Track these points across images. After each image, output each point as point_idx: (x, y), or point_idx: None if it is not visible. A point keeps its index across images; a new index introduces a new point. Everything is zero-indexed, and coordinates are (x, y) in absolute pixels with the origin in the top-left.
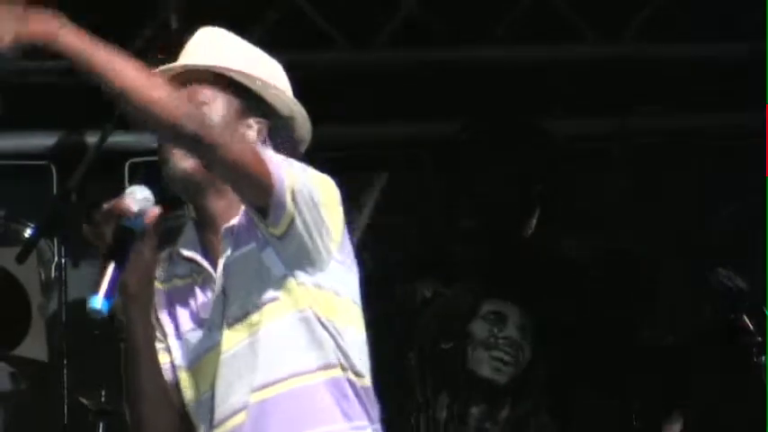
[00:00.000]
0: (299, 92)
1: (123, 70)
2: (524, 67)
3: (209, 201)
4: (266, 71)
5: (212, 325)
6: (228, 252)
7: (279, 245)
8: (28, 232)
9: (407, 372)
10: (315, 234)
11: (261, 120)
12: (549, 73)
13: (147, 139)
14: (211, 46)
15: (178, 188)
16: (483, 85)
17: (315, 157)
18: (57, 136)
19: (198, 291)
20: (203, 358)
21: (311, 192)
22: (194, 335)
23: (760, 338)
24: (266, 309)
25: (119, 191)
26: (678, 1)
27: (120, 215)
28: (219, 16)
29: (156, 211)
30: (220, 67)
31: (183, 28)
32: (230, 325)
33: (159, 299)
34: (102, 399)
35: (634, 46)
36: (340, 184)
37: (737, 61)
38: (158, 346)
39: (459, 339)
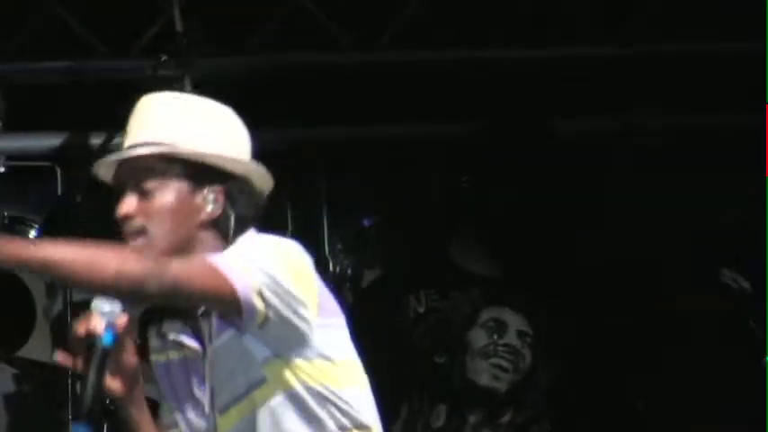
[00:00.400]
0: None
1: (65, 262)
2: (527, 69)
3: None
4: (215, 135)
5: (205, 411)
6: (209, 342)
7: (259, 334)
8: (33, 233)
9: (402, 384)
10: (291, 316)
11: (215, 187)
12: (552, 74)
13: None
14: (152, 122)
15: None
16: (488, 87)
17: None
18: (61, 137)
19: (190, 365)
20: None
21: (275, 279)
22: (193, 414)
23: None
24: (255, 393)
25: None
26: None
27: (90, 336)
28: (222, 18)
29: (123, 319)
30: (165, 154)
31: (187, 28)
32: (222, 412)
33: (158, 372)
34: (107, 400)
35: (635, 46)
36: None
37: (739, 60)
38: (165, 421)
39: (455, 351)
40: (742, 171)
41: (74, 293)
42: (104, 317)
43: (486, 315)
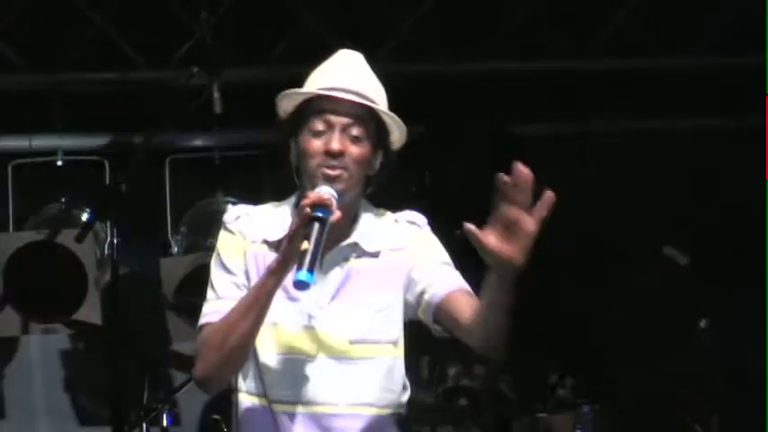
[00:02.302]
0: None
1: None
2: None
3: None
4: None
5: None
6: None
7: None
8: (85, 217)
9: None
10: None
11: (380, 152)
12: (525, 82)
13: (185, 139)
14: (367, 80)
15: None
16: (459, 94)
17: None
18: (109, 136)
19: None
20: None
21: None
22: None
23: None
24: None
25: (161, 183)
26: (640, 18)
27: (319, 204)
28: (243, 35)
29: (338, 213)
30: (382, 111)
31: (214, 45)
32: None
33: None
34: (146, 356)
35: (601, 60)
36: None
37: (693, 71)
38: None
39: None
40: (685, 166)
41: (119, 267)
42: (326, 193)
43: None
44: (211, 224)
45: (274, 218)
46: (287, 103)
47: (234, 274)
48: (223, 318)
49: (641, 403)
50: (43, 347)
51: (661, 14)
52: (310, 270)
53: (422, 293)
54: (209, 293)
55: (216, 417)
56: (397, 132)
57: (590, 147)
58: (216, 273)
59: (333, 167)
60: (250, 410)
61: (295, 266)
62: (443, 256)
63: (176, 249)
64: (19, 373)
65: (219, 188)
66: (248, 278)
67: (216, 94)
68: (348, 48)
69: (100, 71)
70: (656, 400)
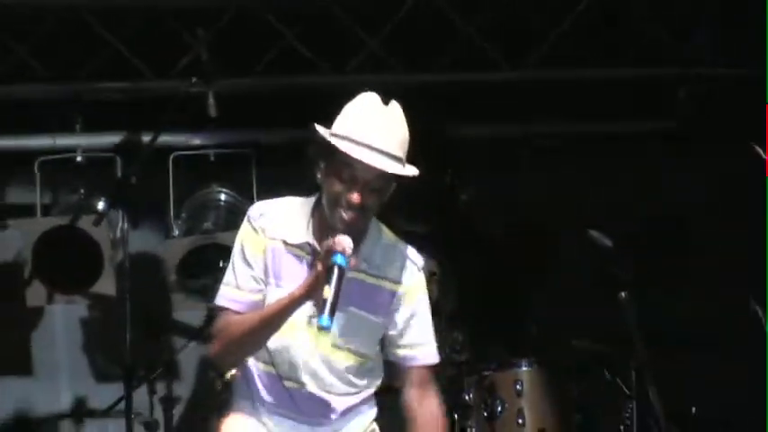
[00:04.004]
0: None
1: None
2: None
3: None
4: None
5: None
6: None
7: None
8: (101, 205)
9: None
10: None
11: (391, 187)
12: (472, 91)
13: (185, 139)
14: (390, 135)
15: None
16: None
17: None
18: (120, 136)
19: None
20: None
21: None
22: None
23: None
24: None
25: (164, 176)
26: (566, 36)
27: (340, 252)
28: (235, 50)
29: (354, 261)
30: (405, 176)
31: (211, 60)
32: None
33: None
34: (152, 323)
35: (535, 72)
36: None
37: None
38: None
39: None
40: (614, 160)
41: (129, 247)
42: (347, 245)
43: None
44: (207, 211)
45: (295, 218)
46: (325, 132)
47: (253, 269)
48: (246, 318)
49: (571, 361)
50: (65, 315)
51: (592, 32)
52: (331, 315)
53: (398, 346)
54: (230, 277)
55: (211, 373)
56: (412, 171)
57: (530, 148)
58: (238, 263)
59: (350, 215)
60: (263, 375)
61: (317, 311)
62: (427, 314)
63: (177, 232)
64: (45, 337)
65: (214, 181)
66: (265, 272)
67: (211, 101)
68: (322, 60)
69: (113, 81)
70: (583, 358)
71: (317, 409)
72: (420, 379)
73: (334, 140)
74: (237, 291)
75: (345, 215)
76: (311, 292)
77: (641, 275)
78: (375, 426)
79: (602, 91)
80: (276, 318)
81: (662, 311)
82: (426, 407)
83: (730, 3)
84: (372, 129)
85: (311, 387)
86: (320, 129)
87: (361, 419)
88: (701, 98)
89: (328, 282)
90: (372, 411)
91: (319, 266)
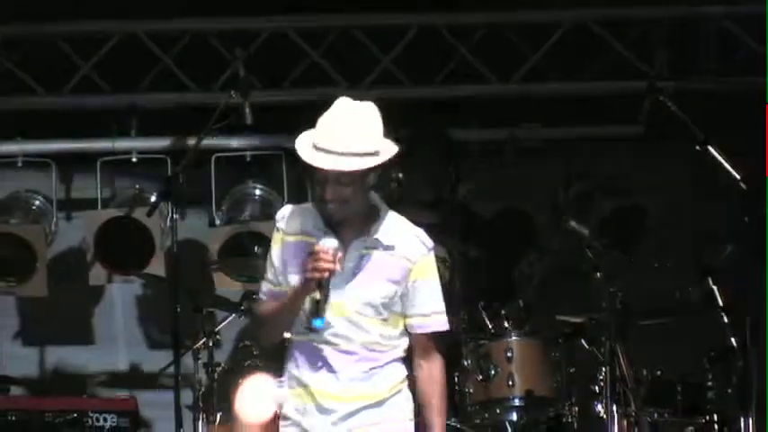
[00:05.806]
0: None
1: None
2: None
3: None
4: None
5: None
6: None
7: None
8: (153, 198)
9: None
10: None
11: (370, 174)
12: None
13: (225, 142)
14: (364, 132)
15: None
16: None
17: None
18: (170, 140)
19: None
20: None
21: (268, 273)
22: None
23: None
24: None
25: (207, 174)
26: (546, 57)
27: (327, 271)
28: (268, 66)
29: (338, 267)
30: (372, 167)
31: (247, 75)
32: None
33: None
34: (197, 299)
35: (520, 86)
36: None
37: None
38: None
39: None
40: (587, 159)
41: (178, 236)
42: (334, 252)
43: None
44: (244, 204)
45: (306, 215)
46: (297, 144)
47: (276, 266)
48: (274, 307)
49: (554, 332)
50: (122, 293)
51: (567, 53)
52: (321, 317)
53: (409, 315)
54: (268, 274)
55: (247, 343)
56: (385, 156)
57: (515, 149)
58: (269, 261)
59: (331, 207)
60: (298, 343)
61: (310, 314)
62: (437, 286)
63: (219, 222)
64: (105, 311)
65: (250, 178)
66: (284, 264)
67: (247, 110)
68: (340, 76)
69: (164, 93)
70: (565, 329)
71: (347, 363)
72: (426, 344)
73: (298, 150)
74: (270, 286)
75: (329, 208)
76: (306, 290)
77: (612, 258)
78: (404, 385)
79: (576, 101)
80: (288, 307)
81: (630, 288)
82: (430, 369)
83: (682, 28)
84: (332, 134)
85: (343, 346)
86: (297, 141)
87: (388, 376)
88: (662, 108)
89: (318, 285)
90: (400, 370)
91: (306, 274)
